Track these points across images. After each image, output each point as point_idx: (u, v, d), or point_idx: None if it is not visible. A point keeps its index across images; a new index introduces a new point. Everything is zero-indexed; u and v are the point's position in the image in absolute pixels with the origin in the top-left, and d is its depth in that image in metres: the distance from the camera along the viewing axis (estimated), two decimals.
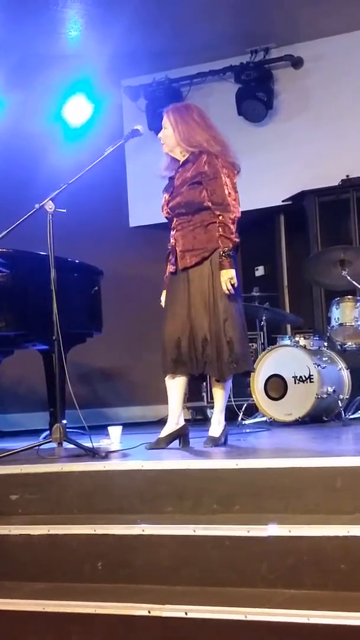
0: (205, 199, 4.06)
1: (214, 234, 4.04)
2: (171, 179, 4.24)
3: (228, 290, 3.98)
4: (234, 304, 4.05)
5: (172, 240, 4.21)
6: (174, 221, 4.19)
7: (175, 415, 4.15)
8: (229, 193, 4.06)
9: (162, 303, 4.30)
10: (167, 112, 4.25)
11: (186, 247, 4.11)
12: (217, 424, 4.13)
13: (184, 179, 4.13)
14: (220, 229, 4.02)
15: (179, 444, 4.17)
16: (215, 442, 4.05)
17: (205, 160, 4.08)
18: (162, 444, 4.07)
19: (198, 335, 4.04)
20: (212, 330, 4.00)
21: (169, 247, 4.26)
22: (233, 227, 4.04)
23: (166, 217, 4.27)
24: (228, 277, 3.98)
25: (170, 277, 4.21)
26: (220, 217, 4.03)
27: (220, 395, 4.14)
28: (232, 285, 3.98)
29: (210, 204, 4.05)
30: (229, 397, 4.36)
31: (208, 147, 4.09)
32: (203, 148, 4.10)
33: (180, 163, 4.21)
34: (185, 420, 4.34)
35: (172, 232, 4.21)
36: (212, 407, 4.32)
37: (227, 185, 4.06)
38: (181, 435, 4.17)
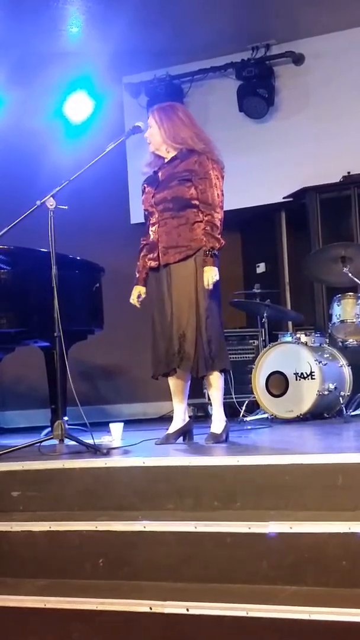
0: (194, 197, 4.08)
1: (199, 233, 4.06)
2: (155, 172, 4.26)
3: (209, 285, 3.99)
4: (215, 304, 4.09)
5: (152, 235, 4.20)
6: (156, 215, 4.18)
7: (181, 412, 4.23)
8: (218, 194, 4.09)
9: (133, 299, 4.29)
10: (152, 112, 4.30)
11: (170, 244, 4.11)
12: (218, 421, 4.14)
13: (171, 174, 4.14)
14: (208, 228, 4.04)
15: (183, 439, 4.25)
16: (216, 438, 4.07)
17: (196, 159, 4.10)
18: (170, 440, 4.16)
19: (175, 331, 4.06)
20: (193, 327, 4.02)
21: (143, 242, 4.27)
22: (220, 228, 4.07)
23: (146, 210, 4.26)
24: (212, 274, 4.00)
25: (151, 273, 4.22)
26: (208, 217, 4.05)
27: (214, 392, 4.17)
28: (214, 282, 4.00)
29: (198, 203, 4.07)
30: (230, 394, 4.36)
31: (193, 145, 4.13)
32: (188, 145, 4.14)
33: (166, 160, 4.22)
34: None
35: (153, 227, 4.20)
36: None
37: (216, 187, 4.09)
38: (186, 431, 4.25)
